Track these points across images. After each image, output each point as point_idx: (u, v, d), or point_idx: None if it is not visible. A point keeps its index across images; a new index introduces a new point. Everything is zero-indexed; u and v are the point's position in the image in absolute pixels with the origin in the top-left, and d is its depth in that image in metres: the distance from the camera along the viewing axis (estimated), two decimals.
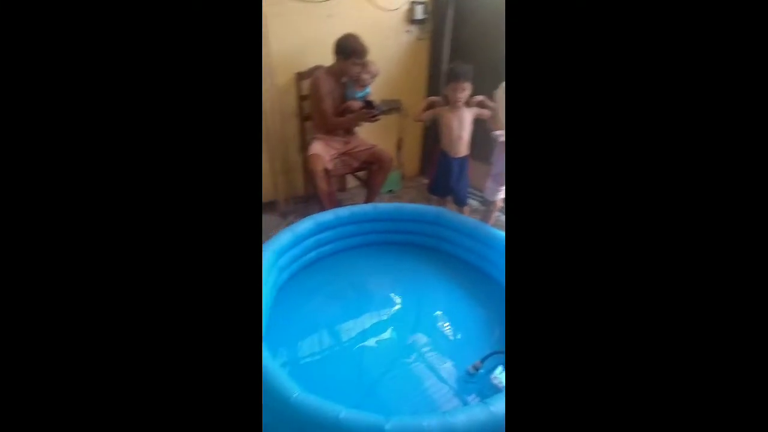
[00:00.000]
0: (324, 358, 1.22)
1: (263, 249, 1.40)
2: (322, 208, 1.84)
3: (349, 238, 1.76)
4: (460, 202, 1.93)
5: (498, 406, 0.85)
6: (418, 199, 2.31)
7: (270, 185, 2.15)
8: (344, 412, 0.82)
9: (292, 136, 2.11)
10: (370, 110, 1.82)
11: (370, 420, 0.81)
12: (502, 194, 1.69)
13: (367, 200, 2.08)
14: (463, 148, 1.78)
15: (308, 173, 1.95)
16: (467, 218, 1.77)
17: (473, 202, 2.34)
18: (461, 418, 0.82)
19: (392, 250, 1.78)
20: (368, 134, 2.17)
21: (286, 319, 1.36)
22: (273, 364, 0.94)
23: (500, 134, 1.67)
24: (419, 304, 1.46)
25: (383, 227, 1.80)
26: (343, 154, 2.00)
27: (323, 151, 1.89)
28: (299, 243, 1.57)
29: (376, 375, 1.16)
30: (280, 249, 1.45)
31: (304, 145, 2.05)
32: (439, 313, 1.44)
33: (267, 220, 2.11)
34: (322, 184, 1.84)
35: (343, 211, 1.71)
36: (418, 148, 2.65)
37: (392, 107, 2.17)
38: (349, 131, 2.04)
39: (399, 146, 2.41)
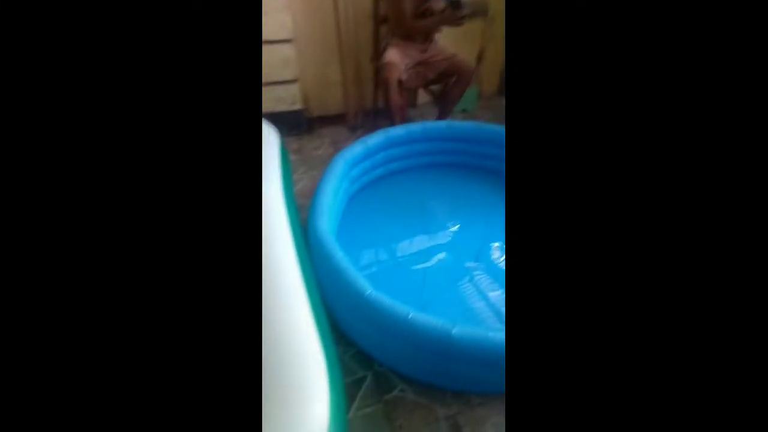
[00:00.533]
0: (381, 271, 1.27)
1: (336, 158, 1.41)
2: (392, 123, 1.77)
3: (420, 157, 1.71)
4: None
5: None
6: (495, 121, 2.12)
7: (340, 95, 2.09)
8: (413, 313, 0.87)
9: (365, 42, 1.96)
10: (455, 11, 1.60)
11: (437, 323, 0.85)
12: None
13: (440, 117, 1.95)
14: None
15: (381, 83, 1.84)
16: None
17: None
18: None
19: (463, 173, 1.70)
20: (446, 42, 1.94)
21: (353, 229, 1.42)
22: (348, 263, 1.00)
23: None
24: (487, 230, 1.43)
25: (457, 147, 1.70)
26: (419, 63, 1.83)
27: (399, 59, 1.74)
28: (370, 156, 1.56)
29: (432, 293, 1.20)
30: (351, 159, 1.46)
31: (378, 53, 1.90)
32: (498, 244, 1.39)
33: (335, 132, 2.10)
34: (395, 96, 1.74)
35: (415, 127, 1.63)
36: (500, 62, 2.34)
37: (478, 10, 1.87)
38: (428, 37, 1.83)
39: (480, 58, 2.14)
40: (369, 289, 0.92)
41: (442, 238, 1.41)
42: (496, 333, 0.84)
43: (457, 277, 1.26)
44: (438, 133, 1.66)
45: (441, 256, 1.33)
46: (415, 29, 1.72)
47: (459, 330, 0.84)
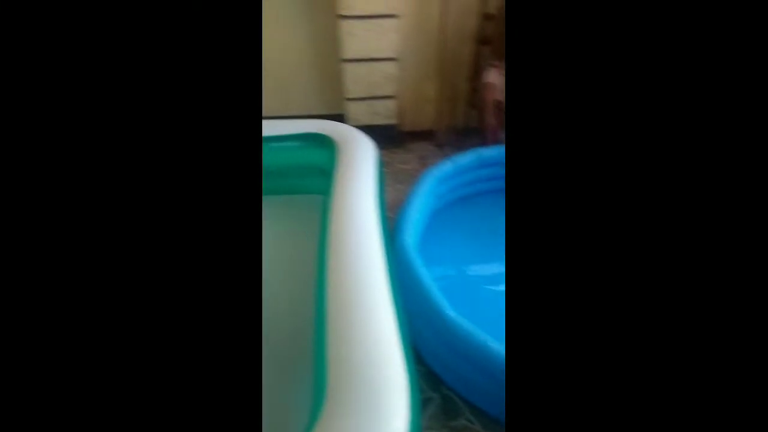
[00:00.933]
0: (452, 287, 1.25)
1: (426, 174, 1.44)
2: (483, 143, 1.75)
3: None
4: None
5: None
6: None
7: (432, 112, 2.13)
8: (492, 341, 0.85)
9: (465, 62, 1.98)
10: None
11: None
12: None
13: None
14: None
15: (478, 103, 1.83)
16: None
17: None
18: None
19: None
20: None
21: (433, 244, 1.43)
22: (430, 280, 1.01)
23: None
24: None
25: None
26: None
27: (498, 80, 1.72)
28: (459, 175, 1.56)
29: (496, 320, 1.14)
30: (440, 176, 1.47)
31: (476, 73, 1.90)
32: None
33: (422, 147, 2.15)
34: (490, 117, 1.72)
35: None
36: None
37: None
38: None
39: None
40: (450, 310, 0.92)
41: None
42: None
43: None
44: None
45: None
46: None
47: None
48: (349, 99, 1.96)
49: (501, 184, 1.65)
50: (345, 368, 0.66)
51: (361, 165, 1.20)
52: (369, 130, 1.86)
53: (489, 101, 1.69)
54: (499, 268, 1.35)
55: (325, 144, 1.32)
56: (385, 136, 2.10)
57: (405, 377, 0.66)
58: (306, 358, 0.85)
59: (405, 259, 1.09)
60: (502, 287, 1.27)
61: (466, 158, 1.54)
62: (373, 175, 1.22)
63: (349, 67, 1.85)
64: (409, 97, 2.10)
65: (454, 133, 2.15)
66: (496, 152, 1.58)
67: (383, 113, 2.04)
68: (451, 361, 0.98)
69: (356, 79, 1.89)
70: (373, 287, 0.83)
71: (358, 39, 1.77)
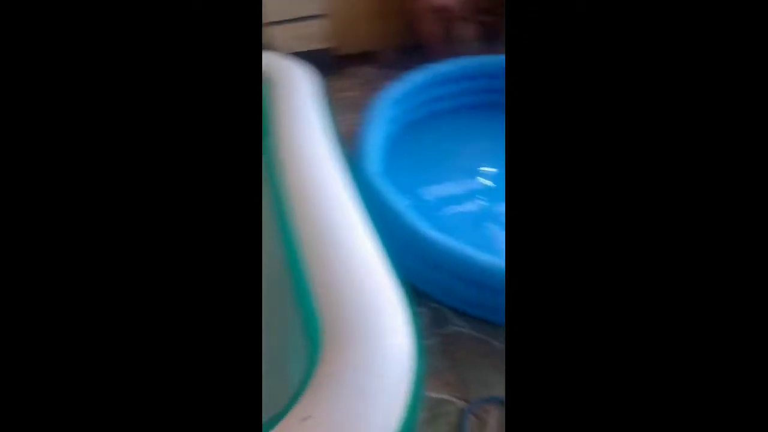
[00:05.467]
0: (425, 213, 1.25)
1: (375, 101, 1.34)
2: (434, 59, 1.65)
3: (478, 94, 1.58)
4: None
5: None
6: None
7: (365, 31, 1.93)
8: (471, 251, 0.87)
9: None
10: None
11: (493, 260, 0.86)
12: None
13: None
14: None
15: (411, 12, 1.67)
16: None
17: None
18: None
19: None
20: None
21: (396, 173, 1.39)
22: (403, 203, 0.99)
23: None
24: None
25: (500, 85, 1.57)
26: None
27: None
28: (413, 96, 1.47)
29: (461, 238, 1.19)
30: (392, 100, 1.38)
31: None
32: None
33: (364, 71, 1.98)
34: (426, 27, 1.58)
35: (466, 63, 1.50)
36: None
37: None
38: None
39: None
40: (426, 228, 0.92)
41: (488, 179, 1.37)
42: None
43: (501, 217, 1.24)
44: (491, 69, 1.52)
45: (483, 199, 1.31)
46: None
47: None
48: (269, 24, 1.70)
49: (458, 102, 1.60)
50: (336, 302, 0.64)
51: (301, 97, 1.08)
52: (298, 58, 1.66)
53: (421, 7, 1.54)
54: (470, 185, 1.35)
55: None
56: (319, 63, 1.90)
57: (397, 295, 0.65)
58: (285, 304, 0.83)
59: (372, 187, 1.04)
60: (466, 206, 1.29)
61: (417, 77, 1.45)
62: (318, 107, 1.10)
63: None
64: (342, 14, 1.87)
65: (399, 51, 1.99)
66: (449, 67, 1.50)
67: (310, 36, 1.81)
68: (432, 276, 1.01)
69: None
70: (344, 220, 0.79)
71: None
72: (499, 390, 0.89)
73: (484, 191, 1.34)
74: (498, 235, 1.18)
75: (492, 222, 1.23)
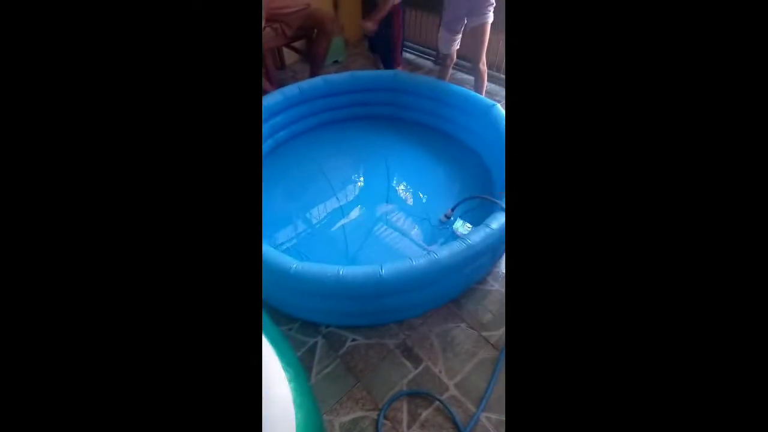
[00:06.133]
0: (302, 241, 1.27)
1: None
2: (265, 91, 1.66)
3: (304, 119, 1.66)
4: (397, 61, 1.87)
5: (474, 238, 0.98)
6: (368, 67, 2.13)
7: None
8: (344, 269, 0.91)
9: None
10: None
11: (367, 270, 0.91)
12: (456, 45, 1.58)
13: (312, 74, 1.88)
14: None
15: None
16: (424, 78, 1.69)
17: (425, 62, 2.21)
18: (444, 252, 0.95)
19: (352, 125, 1.71)
20: None
21: (264, 208, 1.36)
22: (266, 245, 0.98)
23: None
24: (389, 173, 1.50)
25: (338, 102, 1.69)
26: (271, 19, 1.69)
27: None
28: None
29: (356, 246, 1.25)
30: None
31: None
32: (407, 177, 1.50)
33: None
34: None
35: (290, 90, 1.56)
36: (358, 5, 2.30)
37: None
38: None
39: (336, 5, 2.07)
40: (294, 263, 0.92)
41: (350, 193, 1.45)
42: (419, 260, 0.94)
43: (375, 224, 1.33)
44: (315, 91, 1.61)
45: (356, 210, 1.38)
46: None
47: (387, 268, 0.91)
48: None
49: (297, 128, 1.64)
50: None
51: None
52: None
53: None
54: (336, 202, 1.40)
55: None
56: None
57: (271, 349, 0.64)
58: None
59: None
60: (345, 219, 1.34)
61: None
62: None
63: None
64: None
65: None
66: (281, 96, 1.53)
67: None
68: (316, 306, 1.02)
69: None
70: None
71: None
72: (401, 384, 0.95)
73: (358, 199, 1.41)
74: (372, 241, 1.26)
75: (367, 228, 1.30)
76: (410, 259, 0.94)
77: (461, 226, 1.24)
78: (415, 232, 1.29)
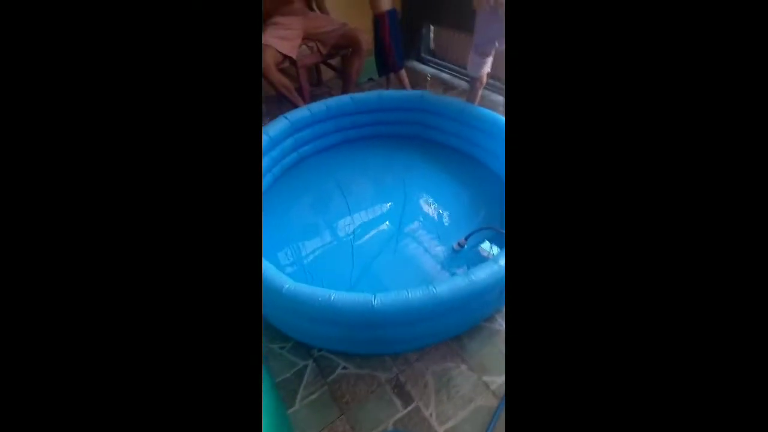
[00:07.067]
0: (311, 259, 1.26)
1: None
2: (294, 106, 1.71)
3: (329, 135, 1.68)
4: (393, 67, 1.87)
5: (478, 275, 0.91)
6: (398, 87, 2.12)
7: None
8: (335, 294, 0.88)
9: None
10: None
11: (359, 298, 0.88)
12: (487, 68, 1.53)
13: (344, 91, 1.91)
14: (383, 2, 1.67)
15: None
16: (452, 99, 1.65)
17: (461, 82, 2.16)
18: (443, 288, 0.89)
19: (376, 143, 1.71)
20: (335, 11, 1.87)
21: (277, 223, 1.38)
22: (265, 262, 0.98)
23: None
24: (406, 195, 1.47)
25: (364, 120, 1.69)
26: (308, 38, 1.75)
27: (278, 37, 1.66)
28: (277, 145, 1.50)
29: (360, 269, 1.21)
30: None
31: None
32: (425, 199, 1.45)
33: None
34: (276, 78, 1.67)
35: (318, 107, 1.59)
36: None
37: None
38: (309, 6, 1.76)
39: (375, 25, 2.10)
40: (287, 283, 0.91)
41: (370, 211, 1.43)
42: (415, 291, 0.88)
43: (390, 241, 1.29)
44: (341, 109, 1.63)
45: (374, 228, 1.35)
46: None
47: (380, 299, 0.87)
48: None
49: (321, 143, 1.67)
50: None
51: None
52: None
53: (269, 63, 1.62)
54: (349, 223, 1.38)
55: None
56: None
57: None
58: None
59: None
60: (358, 241, 1.32)
61: (277, 126, 1.48)
62: None
63: None
64: None
65: (266, 102, 2.03)
66: (307, 112, 1.56)
67: None
68: (308, 327, 1.00)
69: None
70: None
71: None
72: (387, 423, 0.89)
73: (374, 220, 1.39)
74: (379, 265, 1.23)
75: (376, 250, 1.27)
76: (406, 291, 0.89)
77: (489, 248, 1.17)
78: (428, 257, 1.24)
